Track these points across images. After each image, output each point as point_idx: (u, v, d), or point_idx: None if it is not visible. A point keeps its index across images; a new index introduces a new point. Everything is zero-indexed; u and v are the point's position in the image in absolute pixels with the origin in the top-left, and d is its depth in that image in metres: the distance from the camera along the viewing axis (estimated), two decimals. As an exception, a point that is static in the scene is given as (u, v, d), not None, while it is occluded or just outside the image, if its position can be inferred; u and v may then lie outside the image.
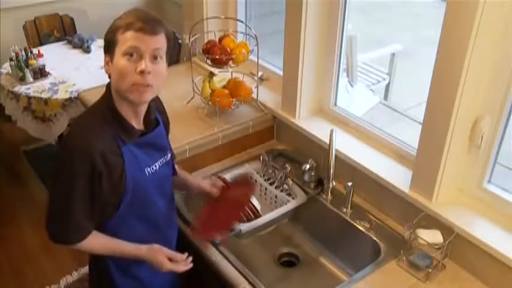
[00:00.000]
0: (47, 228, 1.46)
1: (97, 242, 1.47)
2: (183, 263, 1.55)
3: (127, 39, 1.32)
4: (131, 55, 1.32)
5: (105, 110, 1.40)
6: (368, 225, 1.81)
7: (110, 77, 1.40)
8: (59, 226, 1.44)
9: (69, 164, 1.36)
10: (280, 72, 2.23)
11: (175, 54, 3.47)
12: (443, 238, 1.60)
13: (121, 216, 1.45)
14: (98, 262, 1.56)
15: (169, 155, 1.58)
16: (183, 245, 1.70)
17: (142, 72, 1.31)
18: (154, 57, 1.34)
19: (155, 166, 1.49)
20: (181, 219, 1.81)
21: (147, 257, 1.52)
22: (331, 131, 1.81)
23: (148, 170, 1.46)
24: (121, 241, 1.50)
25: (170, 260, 1.53)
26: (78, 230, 1.43)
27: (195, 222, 1.75)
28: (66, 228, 1.43)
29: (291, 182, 1.98)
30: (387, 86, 4.33)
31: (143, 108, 1.45)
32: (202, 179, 1.81)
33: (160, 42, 1.35)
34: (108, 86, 1.42)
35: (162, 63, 1.37)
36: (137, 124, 1.45)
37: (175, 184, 1.69)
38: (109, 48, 1.36)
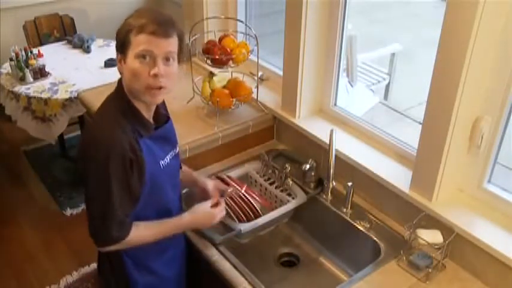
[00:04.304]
0: (93, 232, 1.44)
1: (143, 230, 1.47)
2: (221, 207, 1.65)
3: (140, 42, 1.32)
4: (144, 57, 1.33)
5: (121, 105, 1.42)
6: (368, 225, 1.80)
7: (121, 74, 1.41)
8: (105, 227, 1.41)
9: (104, 161, 1.34)
10: (280, 72, 2.23)
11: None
12: (443, 238, 1.60)
13: (139, 209, 1.46)
14: (113, 261, 1.56)
15: (177, 148, 1.61)
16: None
17: (155, 75, 1.34)
18: (167, 59, 1.36)
19: (167, 159, 1.53)
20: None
21: (196, 219, 1.57)
22: (331, 131, 1.81)
23: (161, 162, 1.49)
24: (160, 220, 1.52)
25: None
26: (123, 226, 1.43)
27: (258, 203, 1.84)
28: (114, 227, 1.41)
29: (291, 182, 1.98)
30: (387, 86, 4.33)
31: (154, 105, 1.48)
32: (207, 179, 1.83)
33: (172, 44, 1.37)
34: (120, 81, 1.43)
35: (174, 64, 1.39)
36: (149, 118, 1.48)
37: (182, 178, 1.72)
38: (121, 47, 1.36)
